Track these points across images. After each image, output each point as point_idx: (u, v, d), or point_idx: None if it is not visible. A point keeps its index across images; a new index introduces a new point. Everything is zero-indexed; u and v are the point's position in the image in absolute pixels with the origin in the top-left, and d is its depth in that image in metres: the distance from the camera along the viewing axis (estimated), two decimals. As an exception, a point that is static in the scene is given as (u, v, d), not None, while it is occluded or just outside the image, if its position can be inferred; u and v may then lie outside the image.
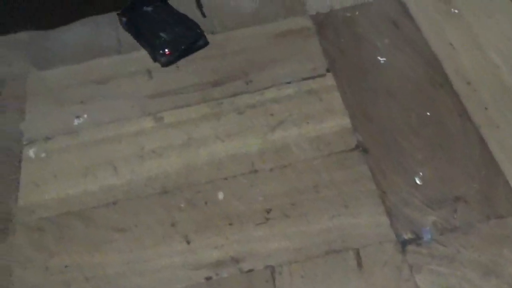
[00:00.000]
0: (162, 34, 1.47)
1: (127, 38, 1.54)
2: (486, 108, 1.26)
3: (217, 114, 1.34)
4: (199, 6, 1.58)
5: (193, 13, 1.56)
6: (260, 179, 1.21)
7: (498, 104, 1.27)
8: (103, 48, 1.53)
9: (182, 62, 1.46)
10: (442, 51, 1.38)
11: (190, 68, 1.44)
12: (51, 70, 1.50)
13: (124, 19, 1.56)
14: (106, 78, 1.45)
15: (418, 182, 1.16)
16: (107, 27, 1.58)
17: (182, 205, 1.19)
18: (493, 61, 1.35)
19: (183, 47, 1.46)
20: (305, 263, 1.09)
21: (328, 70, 1.38)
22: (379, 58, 1.39)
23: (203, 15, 1.57)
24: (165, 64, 1.46)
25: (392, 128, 1.26)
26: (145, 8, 1.55)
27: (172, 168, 1.25)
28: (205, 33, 1.50)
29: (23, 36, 1.59)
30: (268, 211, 1.16)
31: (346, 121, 1.28)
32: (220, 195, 1.20)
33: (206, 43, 1.49)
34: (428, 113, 1.28)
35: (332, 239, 1.11)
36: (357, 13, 1.50)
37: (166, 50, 1.45)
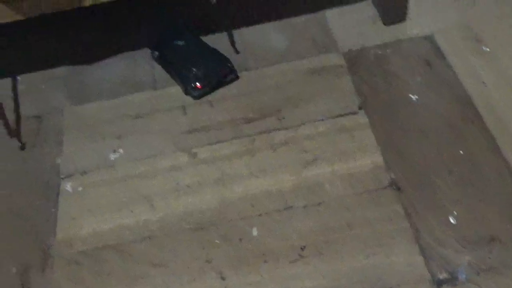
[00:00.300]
0: (193, 68, 1.50)
1: (162, 73, 1.57)
2: (519, 146, 1.28)
3: (250, 151, 1.36)
4: (232, 42, 1.61)
5: (225, 49, 1.58)
6: (293, 216, 1.23)
7: (531, 143, 1.28)
8: (139, 83, 1.56)
9: (216, 98, 1.48)
10: (474, 89, 1.39)
11: (224, 104, 1.47)
12: (88, 104, 1.53)
13: (156, 52, 1.59)
14: (142, 113, 1.48)
15: (452, 221, 1.17)
16: (143, 62, 1.61)
17: (217, 241, 1.20)
18: (525, 99, 1.36)
19: (214, 80, 1.49)
20: (339, 301, 1.10)
21: (360, 108, 1.40)
22: (411, 95, 1.41)
23: (236, 51, 1.59)
24: (196, 97, 1.49)
25: (425, 166, 1.26)
26: (177, 42, 1.58)
27: (206, 203, 1.27)
28: (239, 70, 1.52)
29: (61, 71, 1.63)
30: (302, 248, 1.17)
31: (378, 159, 1.29)
32: (255, 232, 1.21)
33: (237, 77, 1.52)
34: (461, 151, 1.28)
35: (367, 278, 1.12)
36: (388, 50, 1.52)
37: (198, 83, 1.48)
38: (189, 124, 1.44)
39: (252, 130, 1.40)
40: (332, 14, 1.65)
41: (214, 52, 1.55)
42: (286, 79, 1.50)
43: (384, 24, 1.59)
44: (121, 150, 1.41)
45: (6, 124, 1.44)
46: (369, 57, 1.51)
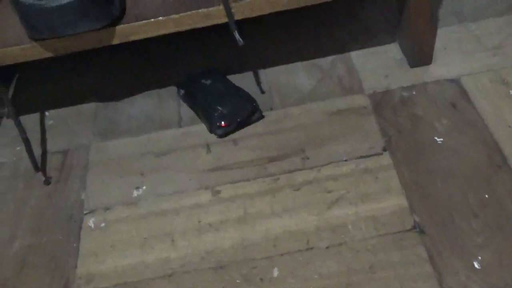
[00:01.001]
0: (218, 107, 1.51)
1: (188, 111, 1.58)
2: (546, 192, 1.26)
3: (273, 190, 1.35)
4: (258, 82, 1.62)
5: (251, 88, 1.59)
6: (315, 256, 1.21)
7: (560, 188, 1.25)
8: (164, 121, 1.57)
9: (240, 137, 1.49)
10: (501, 133, 1.38)
11: (248, 143, 1.47)
12: (113, 141, 1.55)
13: (182, 90, 1.61)
14: (166, 151, 1.49)
15: (476, 266, 1.14)
16: (169, 99, 1.63)
17: (238, 281, 1.19)
18: (554, 144, 1.34)
19: (239, 119, 1.49)
20: None
21: (384, 149, 1.39)
22: (436, 138, 1.40)
23: (262, 90, 1.60)
24: (221, 136, 1.49)
25: (450, 210, 1.25)
26: (203, 81, 1.60)
27: (228, 242, 1.26)
28: (264, 109, 1.53)
29: (89, 107, 1.66)
30: (323, 290, 1.16)
31: (402, 201, 1.28)
32: (275, 272, 1.20)
33: (262, 117, 1.52)
34: (487, 195, 1.26)
35: (389, 322, 1.10)
36: (414, 92, 1.51)
37: (223, 122, 1.48)
38: (213, 162, 1.44)
39: (276, 170, 1.40)
40: (358, 56, 1.66)
41: (240, 91, 1.56)
42: (310, 119, 1.50)
43: (410, 66, 1.59)
44: (144, 187, 1.41)
45: (32, 159, 1.45)
46: (394, 99, 1.51)
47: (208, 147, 1.48)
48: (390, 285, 1.14)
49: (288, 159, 1.41)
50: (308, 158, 1.40)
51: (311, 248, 1.23)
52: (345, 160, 1.38)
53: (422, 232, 1.21)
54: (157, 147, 1.50)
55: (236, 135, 1.49)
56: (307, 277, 1.18)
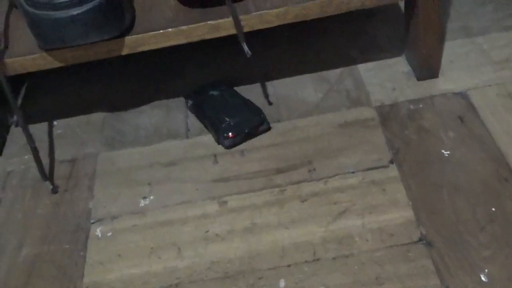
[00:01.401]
0: (226, 118, 1.51)
1: (195, 122, 1.59)
2: (554, 206, 1.26)
3: (280, 201, 1.36)
4: (265, 93, 1.63)
5: (258, 100, 1.60)
6: (322, 268, 1.21)
7: None
8: (172, 131, 1.58)
9: (247, 148, 1.49)
10: (508, 146, 1.38)
11: (255, 154, 1.47)
12: (121, 151, 1.55)
13: (190, 101, 1.62)
14: (174, 161, 1.50)
15: (484, 279, 1.14)
16: (177, 110, 1.64)
17: (244, 291, 1.20)
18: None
19: (246, 130, 1.50)
20: None
21: (391, 162, 1.39)
22: (443, 151, 1.40)
23: (269, 102, 1.61)
24: (228, 147, 1.50)
25: (457, 223, 1.25)
26: (211, 92, 1.61)
27: (235, 253, 1.27)
28: (271, 121, 1.54)
29: (97, 116, 1.67)
30: (330, 302, 1.16)
31: (409, 213, 1.28)
32: (282, 283, 1.20)
33: (269, 128, 1.53)
34: (494, 209, 1.26)
35: (395, 334, 1.10)
36: (421, 105, 1.52)
37: (230, 133, 1.49)
38: (220, 173, 1.45)
39: (283, 181, 1.40)
40: (366, 68, 1.67)
41: (247, 102, 1.57)
42: (318, 131, 1.51)
43: (418, 79, 1.59)
44: (151, 197, 1.42)
45: (40, 167, 1.46)
46: (401, 111, 1.51)
47: (215, 157, 1.48)
48: (397, 297, 1.14)
49: (295, 170, 1.42)
50: (315, 170, 1.41)
51: (318, 260, 1.23)
52: (352, 172, 1.39)
53: (429, 244, 1.21)
54: (164, 157, 1.51)
55: (243, 146, 1.50)
56: (314, 288, 1.18)
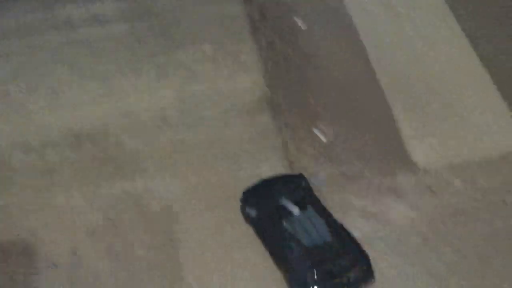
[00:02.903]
0: (313, 268, 1.21)
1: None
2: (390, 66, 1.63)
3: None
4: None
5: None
6: (170, 129, 1.50)
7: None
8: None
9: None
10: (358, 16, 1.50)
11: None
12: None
13: (254, 211, 1.13)
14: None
15: (323, 139, 1.56)
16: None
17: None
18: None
19: (340, 286, 1.18)
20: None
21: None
22: (299, 23, 1.50)
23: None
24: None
25: (304, 88, 1.59)
26: (287, 205, 1.14)
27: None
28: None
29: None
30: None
31: (259, 79, 1.56)
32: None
33: (372, 280, 1.17)
34: (340, 77, 1.57)
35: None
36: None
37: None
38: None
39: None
40: None
41: (346, 237, 1.14)
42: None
43: None
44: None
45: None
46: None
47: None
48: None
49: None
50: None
51: (165, 118, 1.55)
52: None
53: (275, 107, 1.61)
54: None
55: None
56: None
